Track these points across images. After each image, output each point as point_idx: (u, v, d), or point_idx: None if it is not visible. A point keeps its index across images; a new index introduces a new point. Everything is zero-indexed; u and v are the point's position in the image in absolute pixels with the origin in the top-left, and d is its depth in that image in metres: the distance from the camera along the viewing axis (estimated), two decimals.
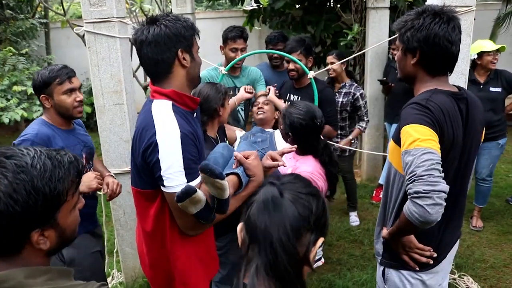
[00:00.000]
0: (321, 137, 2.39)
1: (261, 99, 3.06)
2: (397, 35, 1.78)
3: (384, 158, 5.15)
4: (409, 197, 1.50)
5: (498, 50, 3.87)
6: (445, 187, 1.46)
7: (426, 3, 2.84)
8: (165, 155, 1.63)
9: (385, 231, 1.80)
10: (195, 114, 1.86)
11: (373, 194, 4.91)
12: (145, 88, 6.92)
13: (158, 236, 1.84)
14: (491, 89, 3.95)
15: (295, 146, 2.08)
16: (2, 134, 7.69)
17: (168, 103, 1.72)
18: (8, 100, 4.45)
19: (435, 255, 1.74)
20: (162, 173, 1.64)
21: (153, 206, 1.80)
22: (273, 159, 1.92)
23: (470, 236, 4.05)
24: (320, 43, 6.24)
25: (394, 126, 4.85)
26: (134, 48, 2.05)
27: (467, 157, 1.75)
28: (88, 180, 2.27)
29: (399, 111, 5.08)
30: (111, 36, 2.87)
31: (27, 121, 5.14)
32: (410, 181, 1.49)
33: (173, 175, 1.64)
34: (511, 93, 4.08)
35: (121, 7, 2.94)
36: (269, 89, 3.17)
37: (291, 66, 3.10)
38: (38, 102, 4.50)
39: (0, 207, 0.99)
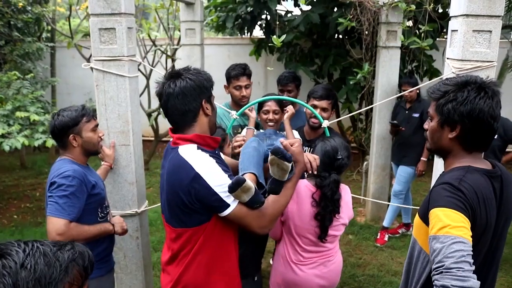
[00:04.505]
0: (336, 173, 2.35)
1: (270, 107, 2.90)
2: (432, 104, 1.69)
3: (389, 198, 5.05)
4: None
5: None
6: (476, 283, 1.33)
7: (445, 57, 2.79)
8: (213, 180, 1.76)
9: None
10: (216, 151, 2.01)
11: (378, 237, 4.79)
12: (149, 115, 6.86)
13: (202, 271, 1.92)
14: None
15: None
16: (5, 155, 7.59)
17: (194, 146, 1.86)
18: (10, 125, 4.35)
19: None
20: (221, 196, 1.76)
21: (198, 242, 1.88)
22: None
23: None
24: (327, 76, 6.21)
25: (401, 167, 4.77)
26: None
27: (499, 236, 1.65)
28: (120, 221, 2.55)
29: (407, 153, 5.01)
30: (120, 75, 2.80)
31: (28, 147, 5.05)
32: (437, 272, 1.37)
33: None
34: (507, 142, 3.97)
35: (132, 45, 2.88)
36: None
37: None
38: (40, 130, 4.40)
39: None
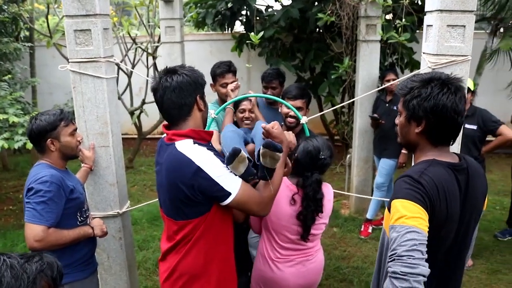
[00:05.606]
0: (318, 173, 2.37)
1: (246, 106, 3.02)
2: (401, 99, 1.74)
3: (372, 190, 5.10)
4: (388, 275, 1.44)
5: (472, 91, 3.92)
6: (425, 270, 1.39)
7: (422, 50, 2.82)
8: (214, 172, 1.85)
9: None
10: (210, 144, 2.08)
11: (362, 229, 4.85)
12: (131, 113, 6.81)
13: (201, 257, 2.00)
14: (466, 125, 3.93)
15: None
16: None
17: (190, 141, 1.93)
18: None
19: None
20: (222, 186, 1.85)
21: (199, 230, 1.96)
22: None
23: None
24: (309, 70, 6.23)
25: (383, 160, 4.82)
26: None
27: (465, 229, 1.70)
28: (100, 224, 2.55)
29: (387, 145, 5.05)
30: (97, 77, 2.77)
31: (8, 150, 4.98)
32: (390, 259, 1.43)
33: (231, 179, 1.88)
34: (486, 133, 4.06)
35: (108, 46, 2.85)
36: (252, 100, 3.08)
37: (292, 113, 2.89)
38: (20, 132, 4.34)
39: None
